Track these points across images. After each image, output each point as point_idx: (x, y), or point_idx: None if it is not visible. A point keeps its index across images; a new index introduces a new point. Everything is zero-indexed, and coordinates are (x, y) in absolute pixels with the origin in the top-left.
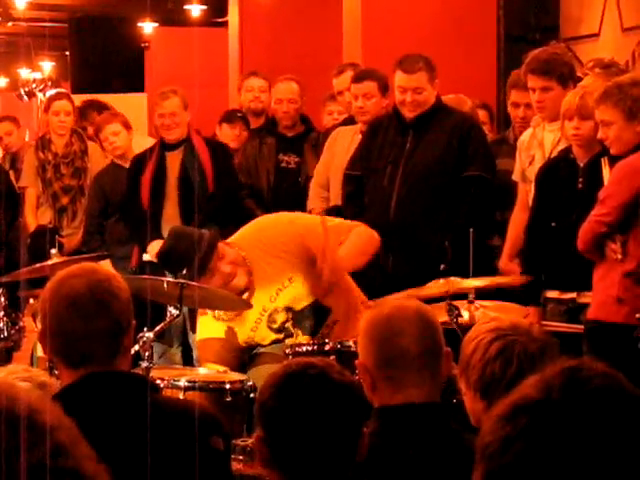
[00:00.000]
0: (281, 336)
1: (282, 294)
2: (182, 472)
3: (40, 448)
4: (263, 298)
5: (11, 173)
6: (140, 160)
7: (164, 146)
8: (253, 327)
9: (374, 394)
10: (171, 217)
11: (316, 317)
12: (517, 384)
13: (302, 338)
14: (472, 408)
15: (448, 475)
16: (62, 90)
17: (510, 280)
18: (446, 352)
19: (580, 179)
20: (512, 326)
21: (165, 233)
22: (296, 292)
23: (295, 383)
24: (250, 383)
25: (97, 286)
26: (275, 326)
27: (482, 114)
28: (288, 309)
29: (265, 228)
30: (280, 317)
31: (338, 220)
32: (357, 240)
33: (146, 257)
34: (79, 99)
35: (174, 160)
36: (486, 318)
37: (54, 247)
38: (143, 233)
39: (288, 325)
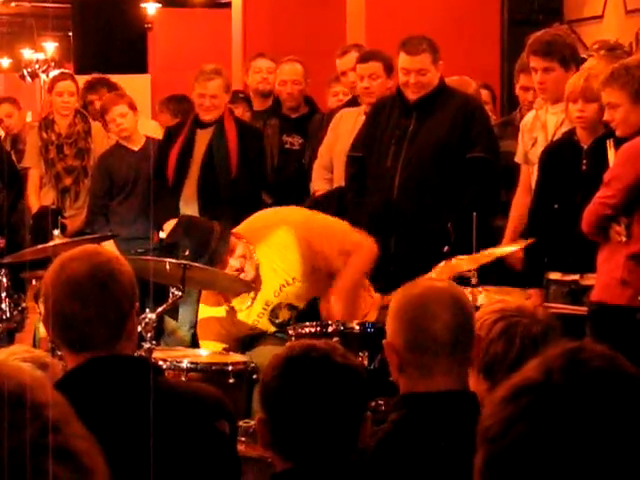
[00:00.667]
0: (274, 328)
1: (286, 290)
2: (187, 456)
3: (29, 425)
4: (267, 292)
5: (12, 154)
6: (172, 133)
7: (197, 123)
8: (255, 320)
9: (400, 375)
10: (189, 197)
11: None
12: (520, 365)
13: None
14: (477, 389)
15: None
16: (66, 71)
17: (515, 246)
18: (477, 337)
19: (584, 161)
20: (517, 308)
21: (182, 211)
22: (300, 291)
23: (298, 365)
24: (252, 364)
25: (98, 269)
26: (277, 321)
27: (484, 94)
28: (292, 307)
29: (274, 225)
30: (283, 314)
31: (346, 225)
32: (360, 264)
33: (162, 235)
34: (82, 80)
35: (203, 139)
36: (493, 300)
37: (57, 228)
38: (160, 209)
39: (292, 323)
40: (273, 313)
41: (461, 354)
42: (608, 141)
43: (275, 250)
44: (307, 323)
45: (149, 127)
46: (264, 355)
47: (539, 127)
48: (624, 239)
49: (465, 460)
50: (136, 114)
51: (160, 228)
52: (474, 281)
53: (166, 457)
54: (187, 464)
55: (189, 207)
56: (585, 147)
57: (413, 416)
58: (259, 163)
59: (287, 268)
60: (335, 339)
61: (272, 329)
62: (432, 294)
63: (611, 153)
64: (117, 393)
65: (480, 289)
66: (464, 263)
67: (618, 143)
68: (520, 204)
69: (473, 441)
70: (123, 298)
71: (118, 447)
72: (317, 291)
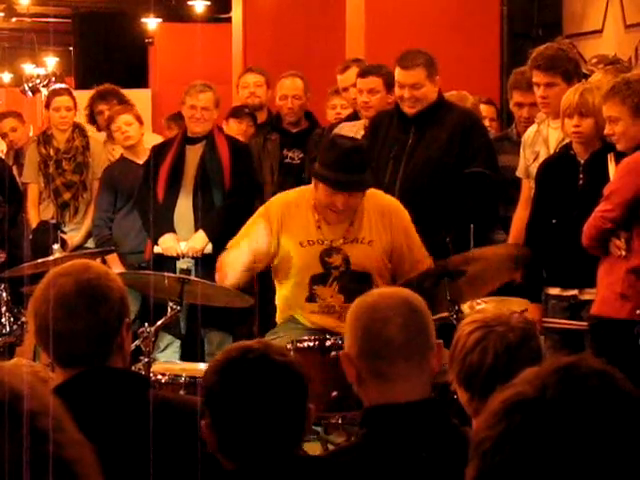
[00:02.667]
0: (322, 271)
1: (355, 245)
2: (177, 467)
3: (20, 433)
4: (341, 229)
5: (14, 168)
6: (160, 150)
7: (186, 139)
8: (308, 241)
9: (360, 387)
10: (184, 211)
11: (358, 285)
12: (495, 374)
13: (335, 295)
14: (461, 400)
15: (448, 473)
16: (63, 85)
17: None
18: (437, 344)
19: (581, 176)
20: (493, 316)
21: (177, 227)
22: (365, 254)
23: (236, 367)
24: None
25: (85, 285)
26: (327, 259)
27: (489, 110)
28: (346, 260)
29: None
30: (336, 260)
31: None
32: None
33: (157, 249)
34: (83, 95)
35: (194, 154)
36: (474, 310)
37: (56, 242)
38: (155, 225)
39: (335, 273)
40: (329, 251)
41: (417, 359)
42: (609, 155)
43: (384, 214)
44: (306, 337)
45: (154, 141)
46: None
47: (541, 141)
48: (624, 253)
49: (433, 469)
50: (142, 127)
51: (155, 243)
52: None
53: (155, 469)
54: (176, 476)
55: (184, 221)
56: (582, 161)
57: (377, 431)
58: (251, 176)
59: (378, 231)
60: (333, 354)
61: (312, 267)
62: (383, 300)
63: (612, 167)
64: (106, 406)
65: (479, 300)
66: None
67: (619, 157)
68: (521, 218)
69: (440, 450)
70: (111, 313)
71: (107, 460)
72: (374, 269)
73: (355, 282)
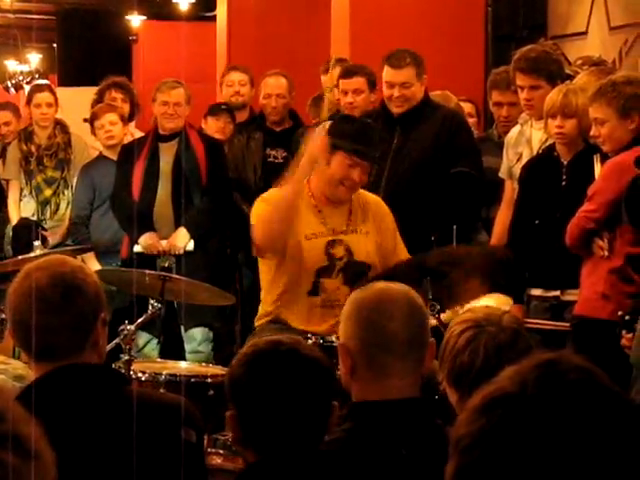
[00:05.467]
0: (327, 263)
1: (355, 236)
2: (152, 464)
3: None
4: (342, 217)
5: (0, 163)
6: (130, 150)
7: (158, 137)
8: (313, 234)
9: (352, 380)
10: (163, 209)
11: (362, 275)
12: (485, 374)
13: (340, 286)
14: (451, 400)
15: (429, 472)
16: (44, 82)
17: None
18: (430, 342)
19: (564, 177)
20: (484, 316)
21: (156, 225)
22: (364, 245)
23: (267, 359)
24: None
25: (60, 279)
26: (332, 252)
27: (469, 107)
28: (349, 251)
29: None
30: (339, 251)
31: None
32: None
33: (137, 248)
34: (66, 92)
35: (168, 152)
36: (463, 309)
37: (37, 239)
38: (133, 224)
39: (339, 264)
40: (333, 244)
41: (414, 357)
42: (595, 156)
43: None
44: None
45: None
46: None
47: (524, 142)
48: (606, 254)
49: (413, 467)
50: (125, 128)
51: (136, 242)
52: None
53: (130, 465)
54: (152, 472)
55: (163, 218)
56: (565, 162)
57: (364, 426)
58: (224, 168)
59: (372, 222)
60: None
61: (316, 260)
62: (387, 295)
63: (598, 168)
64: (81, 402)
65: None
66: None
67: (605, 158)
68: (504, 219)
69: (427, 450)
70: (86, 308)
71: (82, 456)
72: (373, 261)
73: (359, 272)
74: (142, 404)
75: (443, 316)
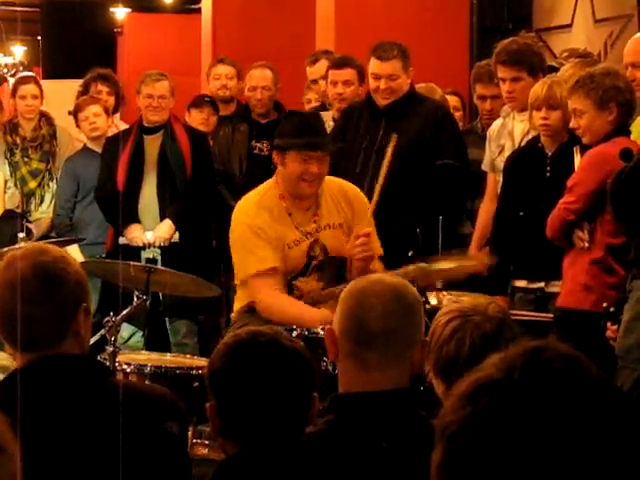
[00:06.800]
0: (304, 261)
1: (329, 232)
2: (133, 456)
3: None
4: (310, 214)
5: None
6: (114, 142)
7: (143, 129)
8: (294, 241)
9: (339, 367)
10: (148, 201)
11: (336, 270)
12: (472, 364)
13: (314, 283)
14: (437, 391)
15: (411, 464)
16: (29, 74)
17: (475, 264)
18: (422, 340)
19: (548, 168)
20: (470, 306)
21: (141, 217)
22: (338, 239)
23: (247, 350)
24: None
25: (41, 268)
26: (312, 253)
27: (455, 100)
28: (324, 250)
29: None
30: (316, 251)
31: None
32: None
33: (122, 240)
34: (50, 84)
35: (153, 144)
36: (451, 300)
37: (22, 232)
38: (119, 216)
39: (314, 262)
40: (313, 245)
41: (395, 351)
42: (575, 148)
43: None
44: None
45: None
46: None
47: (506, 134)
48: (587, 245)
49: (395, 460)
50: (108, 120)
51: (121, 234)
52: (439, 285)
53: (112, 457)
54: (133, 464)
55: (149, 210)
56: (549, 154)
57: (345, 418)
58: (209, 161)
59: (341, 214)
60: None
61: (299, 263)
62: (374, 286)
63: (577, 159)
64: (64, 393)
65: (445, 293)
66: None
67: (584, 150)
68: (487, 211)
69: (409, 441)
70: (68, 297)
71: (62, 446)
72: (347, 253)
73: (333, 268)
74: (125, 396)
75: (428, 307)
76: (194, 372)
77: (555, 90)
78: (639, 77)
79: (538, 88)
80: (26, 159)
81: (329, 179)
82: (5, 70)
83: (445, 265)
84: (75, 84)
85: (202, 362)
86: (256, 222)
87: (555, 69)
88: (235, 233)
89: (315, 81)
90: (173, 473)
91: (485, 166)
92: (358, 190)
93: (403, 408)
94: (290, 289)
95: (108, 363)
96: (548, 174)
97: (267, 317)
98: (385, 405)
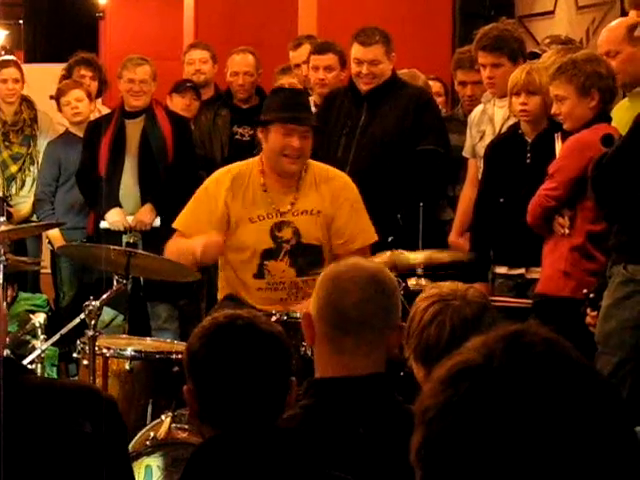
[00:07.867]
0: (273, 246)
1: (305, 217)
2: (42, 456)
3: None
4: (289, 197)
5: None
6: (96, 126)
7: (124, 114)
8: (258, 216)
9: (315, 351)
10: (129, 185)
11: (311, 260)
12: (452, 348)
13: (286, 269)
14: (417, 376)
15: (388, 450)
16: (10, 57)
17: (452, 256)
18: (398, 325)
19: (528, 154)
20: (450, 291)
21: (122, 201)
22: (314, 226)
23: (224, 333)
24: None
25: None
26: (277, 234)
27: (437, 86)
28: (297, 234)
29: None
30: (286, 233)
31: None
32: None
33: (103, 225)
34: (32, 69)
35: (134, 128)
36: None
37: (2, 215)
38: (100, 200)
39: (286, 247)
40: (279, 225)
41: (370, 337)
42: (556, 134)
43: (329, 186)
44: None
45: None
46: None
47: (487, 120)
48: (567, 231)
49: (371, 445)
50: (91, 104)
51: (102, 218)
52: (420, 271)
53: (20, 457)
54: (42, 463)
55: (130, 195)
56: (529, 140)
57: (321, 403)
58: (191, 146)
59: (324, 201)
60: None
61: (263, 242)
62: (350, 271)
63: (559, 146)
64: None
65: (424, 281)
66: (410, 258)
67: (566, 136)
68: (467, 197)
69: (386, 426)
70: None
71: None
72: (323, 241)
73: (306, 255)
74: (35, 394)
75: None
76: (174, 357)
77: (534, 76)
78: (614, 66)
79: (517, 74)
80: (7, 143)
81: (318, 166)
82: None
83: (419, 256)
84: (57, 68)
85: (182, 347)
86: (216, 189)
87: (537, 55)
88: (200, 186)
89: (298, 65)
90: (88, 473)
91: (466, 152)
92: (347, 180)
93: (379, 393)
94: (261, 271)
95: (88, 347)
96: (528, 160)
97: (168, 256)
98: (361, 390)
